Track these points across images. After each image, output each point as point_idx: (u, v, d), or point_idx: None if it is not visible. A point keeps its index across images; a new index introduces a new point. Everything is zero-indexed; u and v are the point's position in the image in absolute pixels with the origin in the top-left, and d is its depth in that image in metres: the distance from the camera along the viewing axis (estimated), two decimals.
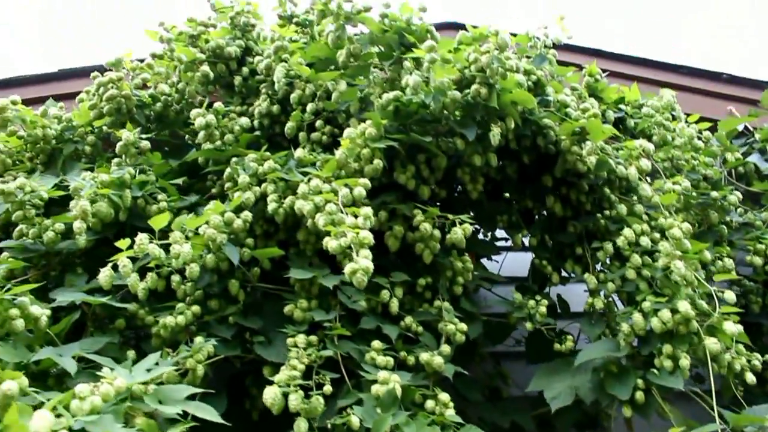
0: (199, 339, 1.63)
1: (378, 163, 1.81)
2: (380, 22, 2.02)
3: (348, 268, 1.47)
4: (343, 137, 1.83)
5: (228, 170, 1.91)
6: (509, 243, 2.24)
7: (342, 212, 1.63)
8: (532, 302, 1.92)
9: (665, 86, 2.81)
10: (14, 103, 2.03)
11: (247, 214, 1.75)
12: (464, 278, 1.92)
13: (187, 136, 2.29)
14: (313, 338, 1.66)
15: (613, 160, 1.94)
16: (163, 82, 2.15)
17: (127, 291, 1.63)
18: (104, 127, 2.19)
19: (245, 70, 2.28)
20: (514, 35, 2.24)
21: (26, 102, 2.65)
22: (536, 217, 2.23)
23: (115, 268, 1.57)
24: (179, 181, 2.02)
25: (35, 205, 1.78)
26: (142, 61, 2.25)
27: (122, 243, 1.57)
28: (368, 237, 1.51)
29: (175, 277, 1.68)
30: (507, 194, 2.23)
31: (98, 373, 1.35)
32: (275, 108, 2.13)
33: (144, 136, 2.00)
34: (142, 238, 1.57)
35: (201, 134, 1.97)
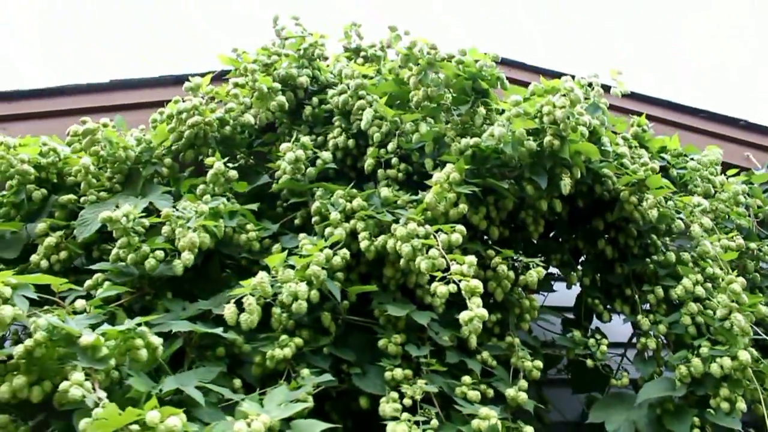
0: (306, 371, 1.71)
1: (463, 207, 1.91)
2: (455, 67, 2.11)
3: (465, 315, 1.57)
4: (432, 181, 1.92)
5: (316, 204, 1.98)
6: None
7: (444, 258, 1.73)
8: (592, 341, 2.07)
9: (682, 128, 3.02)
10: (105, 126, 2.05)
11: (345, 252, 1.83)
12: (531, 316, 2.05)
13: (248, 160, 2.35)
14: (409, 372, 1.77)
15: (669, 211, 2.10)
16: (245, 111, 2.19)
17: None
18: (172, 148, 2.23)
19: (315, 100, 2.34)
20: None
21: (77, 112, 2.67)
22: (583, 256, 2.37)
23: (237, 302, 1.63)
24: (254, 206, 2.07)
25: (137, 232, 1.82)
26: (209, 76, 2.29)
27: (246, 282, 1.64)
28: (479, 286, 1.61)
29: (276, 310, 1.75)
30: (554, 233, 2.37)
31: (243, 408, 1.42)
32: (351, 142, 2.20)
33: (231, 165, 2.04)
34: (263, 276, 1.64)
35: (288, 167, 2.03)
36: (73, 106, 2.71)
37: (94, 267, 1.87)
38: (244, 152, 2.35)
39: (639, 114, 2.53)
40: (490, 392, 1.84)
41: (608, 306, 2.26)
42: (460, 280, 1.63)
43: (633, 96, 3.19)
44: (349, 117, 2.26)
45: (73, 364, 1.52)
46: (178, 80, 2.79)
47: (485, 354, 1.91)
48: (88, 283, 1.85)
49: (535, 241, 2.30)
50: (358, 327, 1.94)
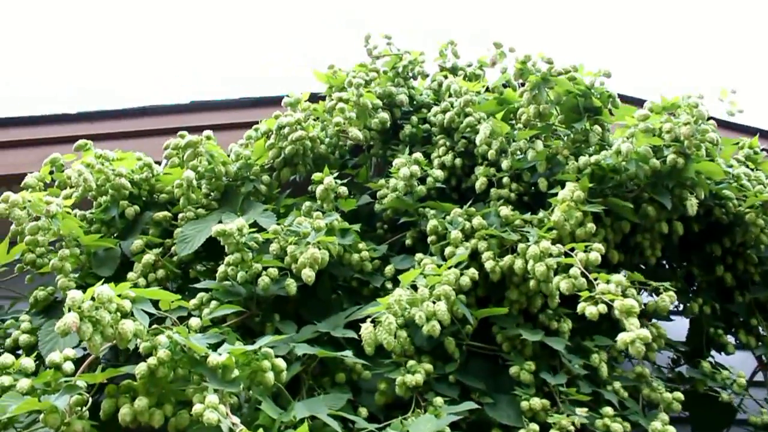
0: (438, 399, 1.52)
1: (591, 227, 1.75)
2: (568, 83, 1.97)
3: (626, 336, 1.39)
4: (558, 199, 1.76)
5: (432, 223, 1.81)
6: None
7: (586, 277, 1.56)
8: (726, 373, 1.87)
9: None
10: (208, 138, 1.91)
11: (473, 273, 1.66)
12: (658, 345, 1.86)
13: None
14: (546, 402, 1.57)
15: None
16: (353, 126, 2.04)
17: None
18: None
19: (414, 119, 2.20)
20: None
21: (158, 133, 2.54)
22: (696, 283, 2.19)
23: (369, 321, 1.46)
24: (356, 227, 1.91)
25: (250, 248, 1.65)
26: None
27: (384, 300, 1.46)
28: (635, 305, 1.44)
29: (402, 333, 1.56)
30: (665, 260, 2.19)
31: None
32: (458, 161, 2.05)
33: (341, 181, 1.89)
34: (401, 294, 1.47)
35: (401, 184, 1.88)
36: (155, 126, 2.58)
37: (199, 285, 1.71)
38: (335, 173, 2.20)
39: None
40: (627, 426, 1.64)
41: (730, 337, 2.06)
42: (612, 300, 1.45)
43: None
44: (452, 136, 2.11)
45: (195, 386, 1.36)
46: (258, 102, 2.68)
47: (617, 384, 1.71)
48: (194, 302, 1.69)
49: (643, 267, 2.12)
50: (478, 354, 1.75)
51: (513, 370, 1.63)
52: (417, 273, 1.52)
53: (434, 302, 1.48)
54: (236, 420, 1.23)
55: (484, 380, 1.69)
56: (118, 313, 1.31)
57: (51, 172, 1.92)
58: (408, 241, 1.93)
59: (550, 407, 1.57)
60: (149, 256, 1.82)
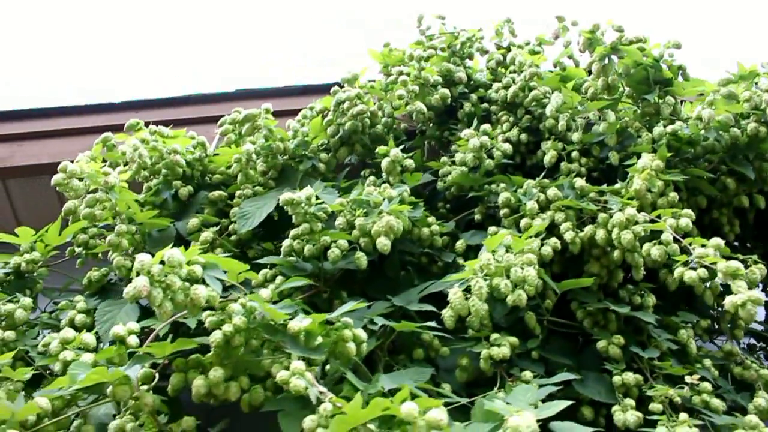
0: (528, 373, 1.39)
1: (674, 196, 1.62)
2: (638, 53, 1.86)
3: (736, 299, 1.26)
4: (638, 167, 1.64)
5: (505, 195, 1.69)
6: None
7: (678, 243, 1.44)
8: None
9: None
10: (267, 111, 1.81)
11: (555, 242, 1.54)
12: (746, 322, 1.71)
13: None
14: (639, 377, 1.44)
15: None
16: (416, 101, 1.94)
17: None
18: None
19: (474, 97, 2.10)
20: None
21: (203, 121, 2.45)
22: None
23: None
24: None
25: (320, 218, 1.54)
26: None
27: (470, 263, 1.34)
28: (741, 267, 1.31)
29: (483, 306, 1.43)
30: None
31: (490, 406, 1.11)
32: (524, 136, 1.94)
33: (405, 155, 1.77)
34: (489, 258, 1.34)
35: (469, 156, 1.76)
36: (198, 115, 2.49)
37: (263, 261, 1.60)
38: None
39: None
40: (723, 404, 1.50)
41: None
42: (713, 263, 1.33)
43: None
44: (515, 111, 2.00)
45: (272, 356, 1.24)
46: (305, 90, 2.58)
47: (707, 362, 1.57)
48: (258, 278, 1.58)
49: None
50: (556, 333, 1.62)
51: (601, 344, 1.50)
52: (503, 236, 1.40)
53: (523, 268, 1.36)
54: (323, 389, 1.11)
55: (564, 355, 1.56)
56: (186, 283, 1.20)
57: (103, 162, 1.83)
58: (477, 217, 1.81)
59: (644, 382, 1.44)
60: (207, 234, 1.72)
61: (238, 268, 1.37)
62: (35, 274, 1.74)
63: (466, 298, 1.31)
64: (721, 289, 1.62)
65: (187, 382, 1.27)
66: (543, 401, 1.19)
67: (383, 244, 1.45)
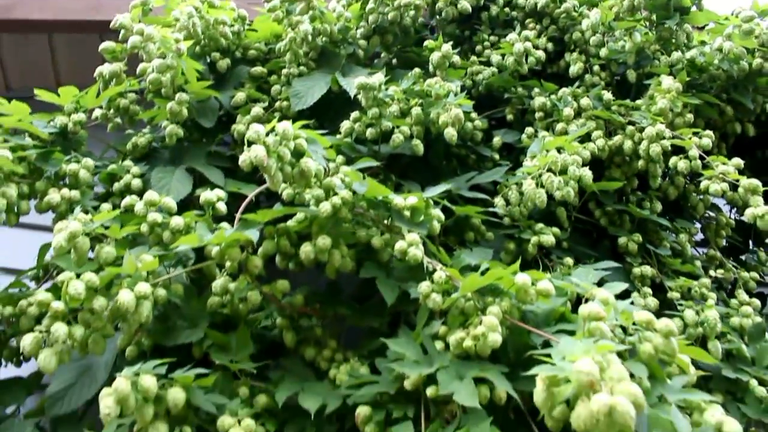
0: (568, 259, 1.60)
1: (690, 117, 1.83)
2: None
3: (755, 211, 1.49)
4: (663, 88, 1.82)
5: (540, 99, 1.84)
6: None
7: (701, 159, 1.65)
8: None
9: None
10: None
11: (593, 146, 1.71)
12: (726, 233, 2.00)
13: None
14: (654, 270, 1.68)
15: None
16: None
17: None
18: None
19: (500, 0, 2.18)
20: None
21: None
22: None
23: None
24: None
25: (387, 104, 1.62)
26: None
27: (543, 160, 1.49)
28: (759, 185, 1.55)
29: (544, 198, 1.57)
30: None
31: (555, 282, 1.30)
32: (550, 45, 2.06)
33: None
34: (555, 155, 1.50)
35: (510, 60, 1.88)
36: None
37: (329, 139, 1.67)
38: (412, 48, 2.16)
39: None
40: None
41: None
42: (736, 180, 1.56)
43: None
44: (542, 21, 2.12)
45: (370, 227, 1.36)
46: None
47: (698, 263, 1.84)
48: None
49: None
50: (575, 229, 1.83)
51: (621, 241, 1.73)
52: (562, 139, 1.55)
53: (578, 167, 1.53)
54: (435, 262, 1.25)
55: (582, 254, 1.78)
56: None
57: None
58: (509, 117, 1.95)
59: (658, 274, 1.68)
60: (257, 109, 1.76)
61: (326, 143, 1.45)
62: (78, 135, 1.72)
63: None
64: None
65: (279, 248, 1.38)
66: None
67: (451, 134, 1.56)
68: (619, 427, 0.82)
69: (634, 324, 1.08)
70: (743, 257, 2.12)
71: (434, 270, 1.21)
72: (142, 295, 1.17)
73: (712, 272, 1.82)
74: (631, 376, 1.01)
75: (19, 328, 1.44)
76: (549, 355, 0.90)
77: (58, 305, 1.14)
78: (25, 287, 1.53)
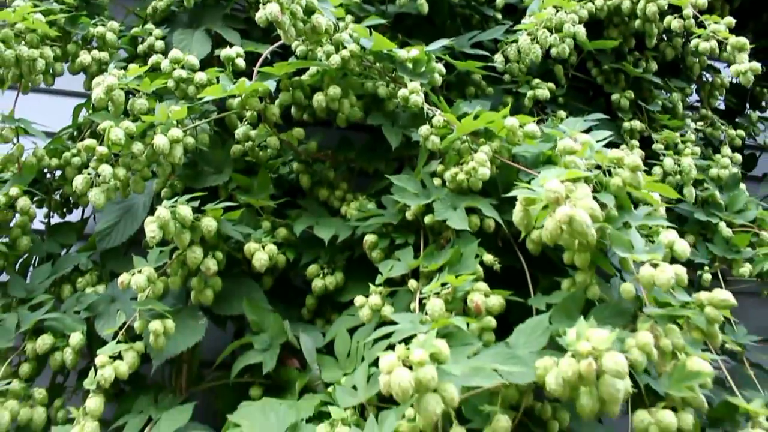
0: (561, 112, 1.73)
1: None
2: None
3: (739, 67, 1.59)
4: None
5: None
6: None
7: (695, 19, 1.74)
8: None
9: None
10: None
11: (591, 6, 1.79)
12: (720, 93, 2.11)
13: None
14: (643, 124, 1.82)
15: None
16: None
17: None
18: None
19: None
20: None
21: None
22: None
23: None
24: None
25: None
26: None
27: (540, 16, 1.60)
28: (746, 42, 1.63)
29: (539, 53, 1.69)
30: None
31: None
32: None
33: None
34: (550, 12, 1.60)
35: None
36: None
37: None
38: None
39: None
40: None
41: None
42: (725, 38, 1.65)
43: None
44: None
45: (376, 78, 1.50)
46: None
47: (688, 120, 1.97)
48: None
49: None
50: (571, 87, 1.94)
51: (614, 97, 1.85)
52: None
53: (573, 25, 1.63)
54: (435, 109, 1.40)
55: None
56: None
57: None
58: None
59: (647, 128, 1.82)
60: None
61: (334, 2, 1.55)
62: (101, 0, 1.82)
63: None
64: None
65: (294, 100, 1.53)
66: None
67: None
68: (578, 236, 0.99)
69: (608, 164, 1.23)
70: (738, 119, 2.24)
71: (434, 115, 1.36)
72: (174, 139, 1.34)
73: (695, 126, 1.93)
74: (603, 206, 1.19)
75: (65, 179, 1.63)
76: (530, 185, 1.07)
77: (103, 149, 1.32)
78: (64, 145, 1.70)
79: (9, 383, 1.28)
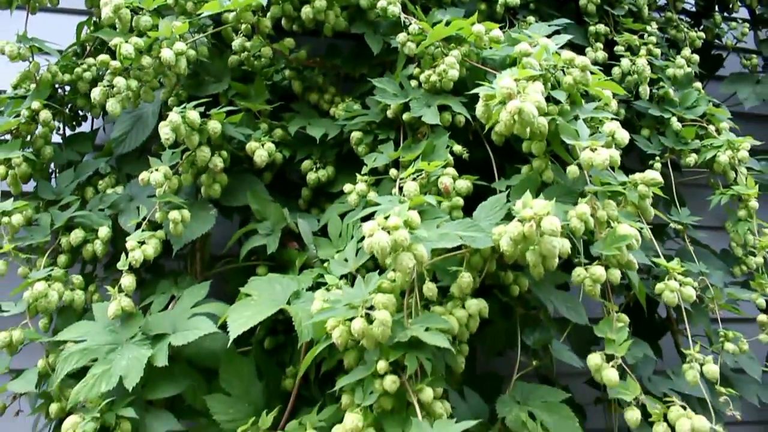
0: (530, 18, 1.90)
1: None
2: None
3: None
4: None
5: None
6: None
7: None
8: (733, 24, 2.33)
9: None
10: None
11: None
12: None
13: None
14: (608, 28, 1.99)
15: None
16: None
17: None
18: None
19: None
20: None
21: None
22: None
23: None
24: None
25: None
26: None
27: None
28: None
29: None
30: None
31: None
32: None
33: None
34: None
35: None
36: None
37: None
38: None
39: None
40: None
41: None
42: None
43: None
44: None
45: None
46: None
47: (654, 24, 2.11)
48: None
49: None
50: None
51: (582, 1, 2.00)
52: None
53: None
54: (411, 18, 1.57)
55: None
56: None
57: None
58: None
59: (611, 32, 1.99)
60: None
61: None
62: None
63: None
64: None
65: (284, 11, 1.69)
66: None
67: None
68: (527, 125, 1.19)
69: (562, 64, 1.42)
70: (704, 22, 2.39)
71: (410, 23, 1.54)
72: (179, 52, 1.52)
73: (657, 29, 2.09)
74: (558, 102, 1.39)
75: (76, 93, 1.81)
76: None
77: (116, 63, 1.50)
78: (72, 61, 1.86)
79: (52, 269, 1.50)
